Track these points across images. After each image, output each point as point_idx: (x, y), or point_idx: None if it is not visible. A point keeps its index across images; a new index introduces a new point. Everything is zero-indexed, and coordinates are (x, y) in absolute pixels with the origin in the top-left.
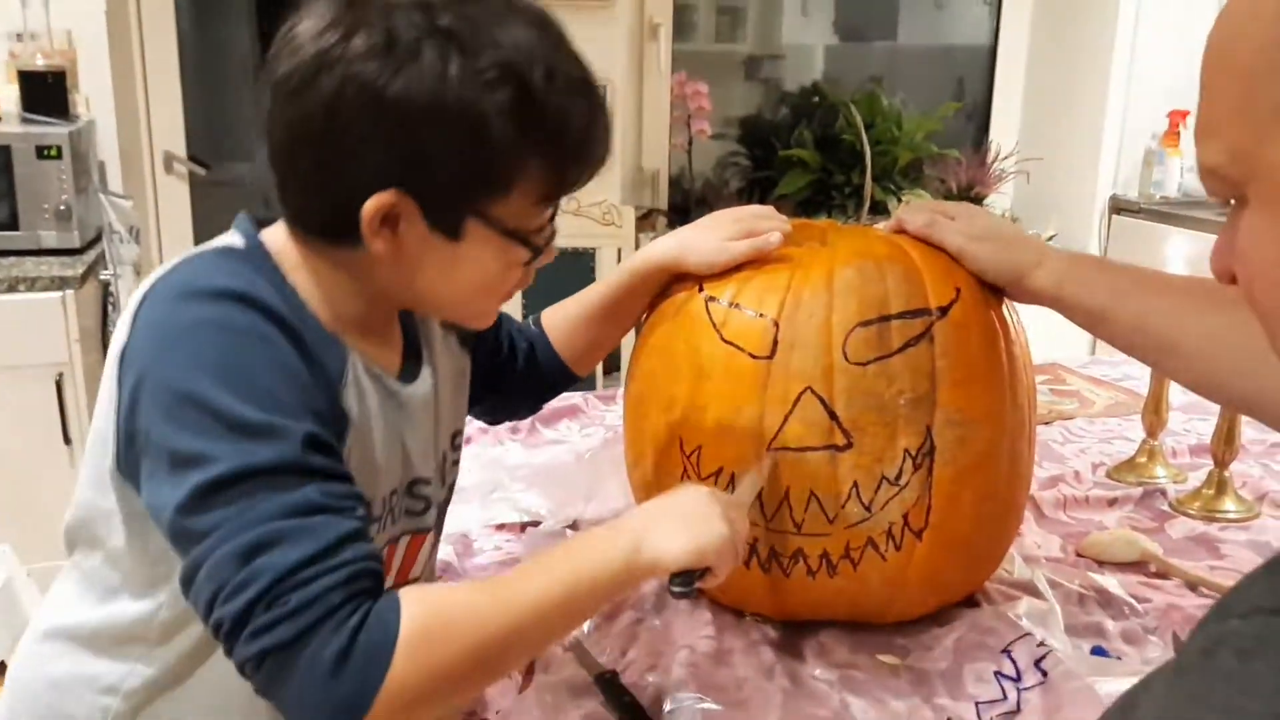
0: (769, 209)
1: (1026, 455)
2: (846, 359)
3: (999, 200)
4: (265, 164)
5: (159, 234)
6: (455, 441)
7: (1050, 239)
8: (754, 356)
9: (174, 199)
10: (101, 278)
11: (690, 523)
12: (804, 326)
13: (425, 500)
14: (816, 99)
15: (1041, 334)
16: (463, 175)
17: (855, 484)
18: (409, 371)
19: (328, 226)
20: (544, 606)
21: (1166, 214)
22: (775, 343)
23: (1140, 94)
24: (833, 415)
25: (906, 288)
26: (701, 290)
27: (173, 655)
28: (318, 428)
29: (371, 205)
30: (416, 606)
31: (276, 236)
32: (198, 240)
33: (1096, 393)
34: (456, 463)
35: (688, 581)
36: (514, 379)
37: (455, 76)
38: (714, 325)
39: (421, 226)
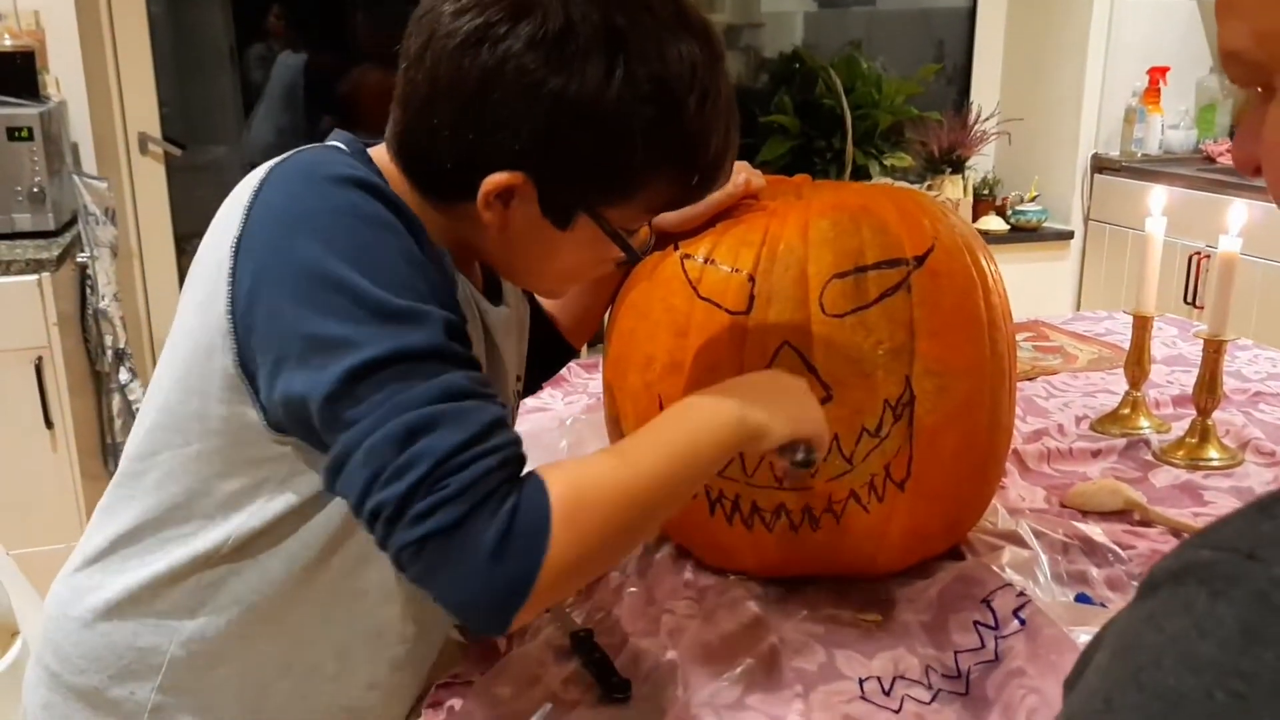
0: (741, 163)
1: (1007, 404)
2: (824, 311)
3: (981, 162)
4: (250, 141)
5: (136, 216)
6: (517, 385)
7: (1033, 199)
8: (731, 312)
9: (150, 180)
10: (78, 260)
11: (786, 398)
12: (780, 280)
13: None
14: (796, 65)
15: (1023, 291)
16: (591, 176)
17: (835, 436)
18: (491, 296)
19: (441, 182)
20: (669, 473)
21: (1148, 171)
22: (751, 297)
23: (1120, 52)
24: (811, 368)
25: (882, 238)
26: (676, 249)
27: (244, 583)
28: (453, 315)
29: (493, 181)
30: (561, 486)
31: (380, 156)
32: (176, 222)
33: (1079, 348)
34: (517, 406)
35: (809, 453)
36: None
37: (615, 86)
38: (690, 282)
39: (534, 210)
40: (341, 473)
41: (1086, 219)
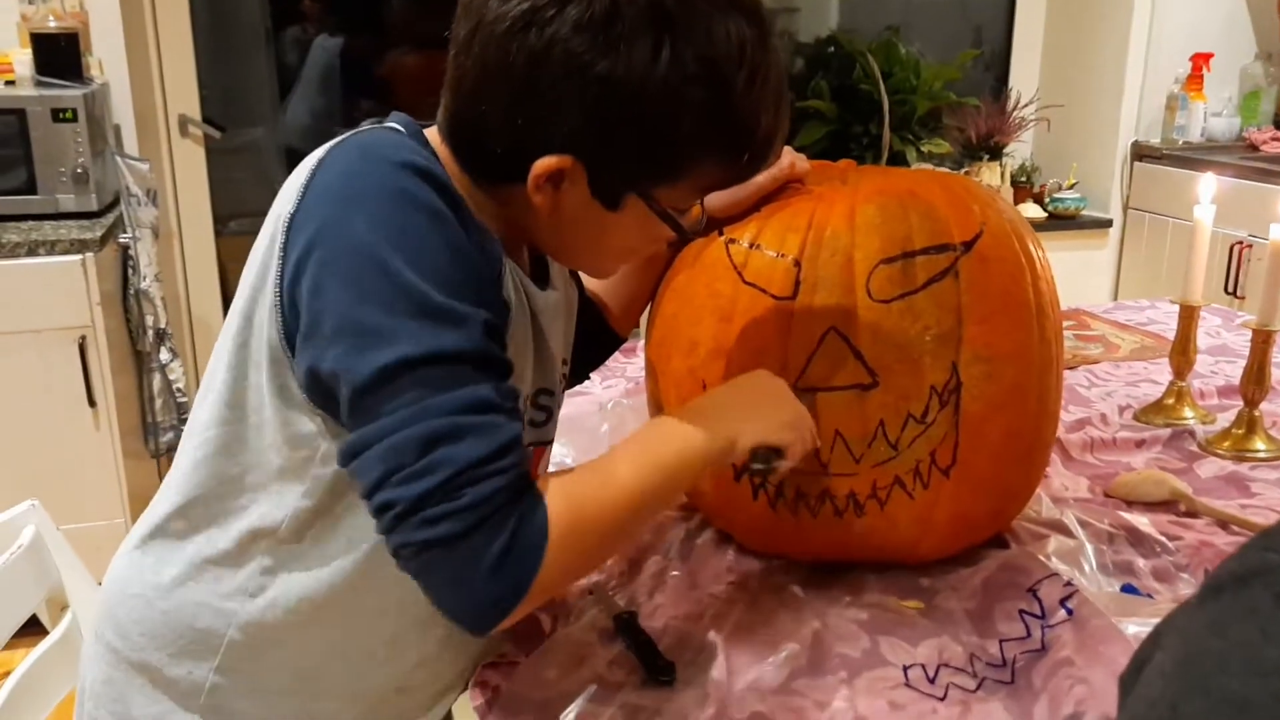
0: (785, 147)
1: (1054, 391)
2: (870, 297)
3: (1019, 149)
4: (286, 123)
5: (175, 197)
6: (564, 369)
7: (1071, 186)
8: (776, 298)
9: (190, 162)
10: (120, 241)
11: (763, 407)
12: (826, 265)
13: (548, 412)
14: (832, 49)
15: (1061, 279)
16: (641, 158)
17: (882, 422)
18: (538, 279)
19: (491, 167)
20: (652, 492)
21: (1189, 159)
22: (797, 283)
23: (1162, 38)
24: (857, 354)
25: (930, 223)
26: (721, 234)
27: (304, 569)
28: (491, 315)
29: (543, 164)
30: (558, 504)
31: (434, 138)
32: (215, 204)
33: (1121, 337)
34: (563, 391)
35: (766, 459)
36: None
37: (663, 67)
38: (735, 267)
39: (584, 192)
40: (358, 458)
41: (1126, 207)
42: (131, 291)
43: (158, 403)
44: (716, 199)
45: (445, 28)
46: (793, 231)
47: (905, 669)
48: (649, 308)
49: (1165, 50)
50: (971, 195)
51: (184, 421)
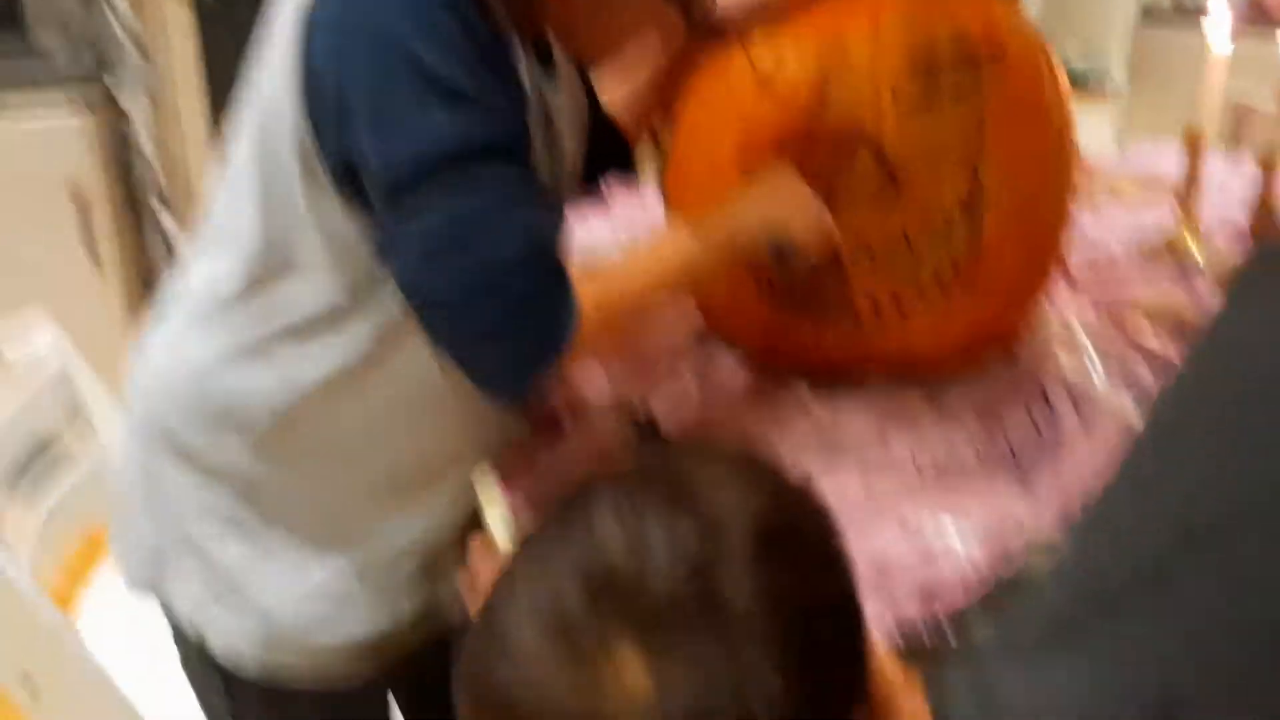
0: None
1: (1070, 198)
2: (895, 106)
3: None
4: None
5: (169, 60)
6: (572, 169)
7: (1078, 53)
8: (801, 106)
9: (178, 24)
10: (119, 103)
11: (780, 203)
12: (851, 76)
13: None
14: None
15: None
16: None
17: (905, 232)
18: (547, 78)
19: None
20: (674, 285)
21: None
22: (823, 91)
23: None
24: (882, 162)
25: (955, 34)
26: (744, 46)
27: (331, 352)
28: (514, 103)
29: None
30: (590, 304)
31: None
32: (209, 68)
33: (1126, 182)
34: (572, 193)
35: (786, 254)
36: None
37: None
38: (758, 80)
39: None
40: (394, 250)
41: (1132, 72)
42: (131, 153)
43: (162, 267)
44: (738, 8)
45: None
46: (817, 44)
47: (914, 457)
48: (669, 123)
49: None
50: (994, 6)
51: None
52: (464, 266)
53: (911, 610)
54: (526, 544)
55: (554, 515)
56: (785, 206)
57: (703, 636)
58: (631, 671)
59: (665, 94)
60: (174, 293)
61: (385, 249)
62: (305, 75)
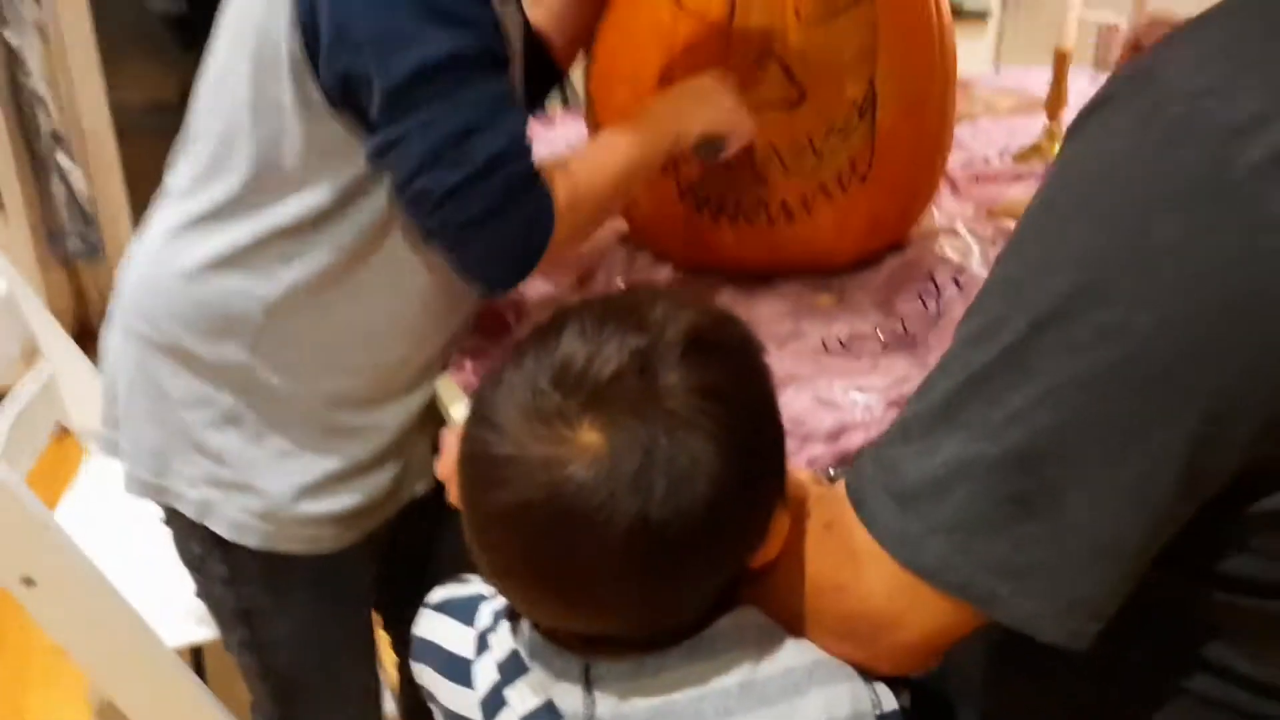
0: None
1: (951, 103)
2: (798, 19)
3: None
4: None
5: (54, 4)
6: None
7: None
8: (714, 24)
9: None
10: (8, 41)
11: (705, 102)
12: None
13: None
14: None
15: None
16: None
17: (809, 136)
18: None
19: None
20: (628, 174)
21: None
22: (733, 9)
23: None
24: (788, 72)
25: None
26: None
27: (319, 250)
28: (492, 24)
29: None
30: (560, 184)
31: None
32: (95, 9)
33: (1000, 99)
34: None
35: (712, 146)
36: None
37: None
38: (674, 1)
39: None
40: (393, 150)
41: (1006, 2)
42: (23, 94)
43: (62, 210)
44: None
45: None
46: None
47: (823, 340)
48: (593, 44)
49: None
50: None
51: (89, 226)
52: (459, 160)
53: (822, 450)
54: (513, 352)
55: (533, 332)
56: (708, 102)
57: (644, 410)
58: (586, 432)
59: (587, 10)
60: (160, 202)
61: (384, 150)
62: (300, 7)
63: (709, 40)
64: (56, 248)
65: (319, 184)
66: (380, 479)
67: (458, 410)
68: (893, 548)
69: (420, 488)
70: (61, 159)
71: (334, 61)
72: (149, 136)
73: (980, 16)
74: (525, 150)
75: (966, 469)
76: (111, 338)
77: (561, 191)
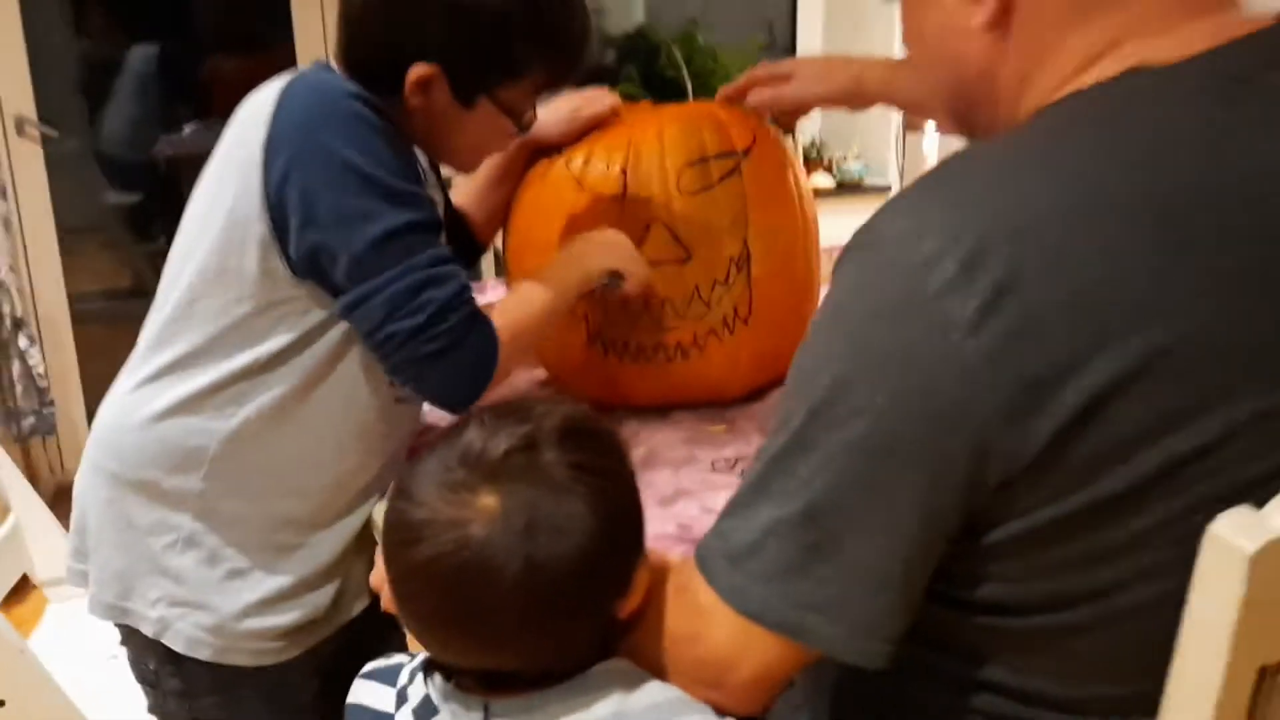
0: (600, 89)
1: (815, 256)
2: (680, 192)
3: (809, 125)
4: (104, 133)
5: (16, 198)
6: None
7: (855, 157)
8: (610, 199)
9: (28, 163)
10: None
11: (607, 246)
12: (645, 171)
13: None
14: (640, 41)
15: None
16: (486, 64)
17: (696, 287)
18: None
19: (379, 81)
20: (554, 309)
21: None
22: (624, 186)
23: None
24: (674, 236)
25: (718, 136)
26: (561, 154)
27: (270, 391)
28: (426, 197)
29: (415, 72)
30: (500, 326)
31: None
32: (55, 204)
33: None
34: None
35: (614, 281)
36: None
37: None
38: (575, 179)
39: (447, 94)
40: (361, 306)
41: (901, 173)
42: None
43: (18, 389)
44: (554, 130)
45: (261, 32)
46: (617, 149)
47: (713, 462)
48: (504, 226)
49: None
50: (746, 116)
51: (46, 407)
52: (417, 310)
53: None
54: (428, 447)
55: (443, 431)
56: (607, 245)
57: (531, 478)
58: (485, 498)
59: (503, 192)
60: (130, 360)
61: (353, 306)
62: (268, 194)
63: (606, 212)
64: (11, 425)
65: (275, 335)
66: (321, 597)
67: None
68: (728, 598)
69: (358, 607)
70: (22, 341)
71: (303, 240)
72: (103, 322)
73: (883, 190)
74: (469, 297)
75: (774, 528)
76: (83, 477)
77: (502, 327)
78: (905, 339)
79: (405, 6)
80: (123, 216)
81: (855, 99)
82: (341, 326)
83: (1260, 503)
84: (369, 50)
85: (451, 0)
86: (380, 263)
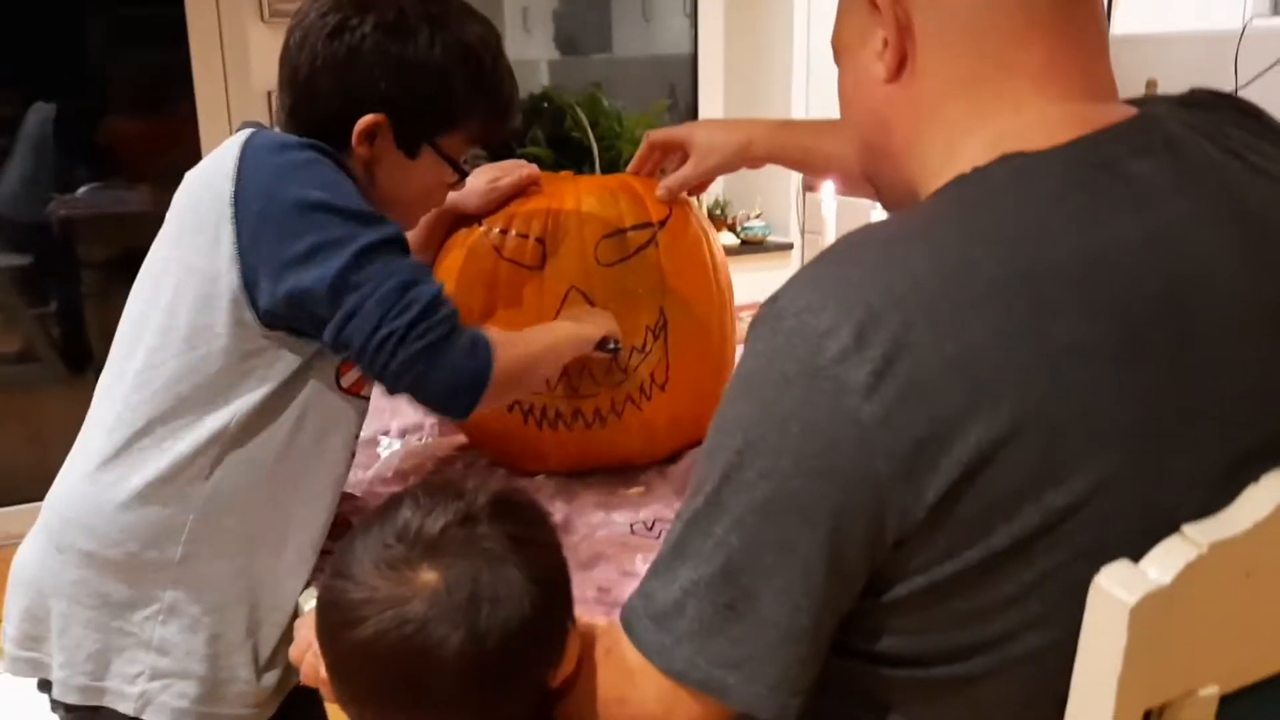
0: (519, 160)
1: (730, 322)
2: (598, 263)
3: (713, 186)
4: (5, 189)
5: None
6: None
7: (757, 216)
8: (529, 268)
9: None
10: None
11: (595, 317)
12: (563, 241)
13: None
14: (545, 104)
15: (755, 295)
16: (427, 115)
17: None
18: None
19: (329, 134)
20: (549, 348)
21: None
22: (544, 256)
23: (819, 88)
24: (592, 304)
25: (634, 208)
26: (481, 224)
27: (244, 455)
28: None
29: (362, 122)
30: (492, 336)
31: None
32: None
33: None
34: None
35: (614, 345)
36: None
37: (437, 50)
38: (495, 249)
39: (391, 144)
40: (352, 320)
41: (803, 231)
42: None
43: None
44: (474, 200)
45: (161, 94)
46: (536, 218)
47: (631, 525)
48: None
49: (822, 99)
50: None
51: None
52: (406, 307)
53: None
54: (360, 527)
55: (375, 511)
56: (601, 317)
57: (469, 551)
58: (425, 573)
59: (424, 259)
60: (86, 430)
61: (344, 323)
62: (240, 245)
63: (525, 281)
64: None
65: (246, 390)
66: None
67: (308, 603)
68: (653, 658)
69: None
70: None
71: (280, 284)
72: None
73: (785, 248)
74: (447, 298)
75: (693, 589)
76: (40, 561)
77: (494, 339)
78: (807, 404)
79: (356, 64)
80: (13, 278)
81: (748, 161)
82: (309, 375)
83: (1137, 555)
84: (319, 108)
85: (399, 56)
86: (360, 278)
